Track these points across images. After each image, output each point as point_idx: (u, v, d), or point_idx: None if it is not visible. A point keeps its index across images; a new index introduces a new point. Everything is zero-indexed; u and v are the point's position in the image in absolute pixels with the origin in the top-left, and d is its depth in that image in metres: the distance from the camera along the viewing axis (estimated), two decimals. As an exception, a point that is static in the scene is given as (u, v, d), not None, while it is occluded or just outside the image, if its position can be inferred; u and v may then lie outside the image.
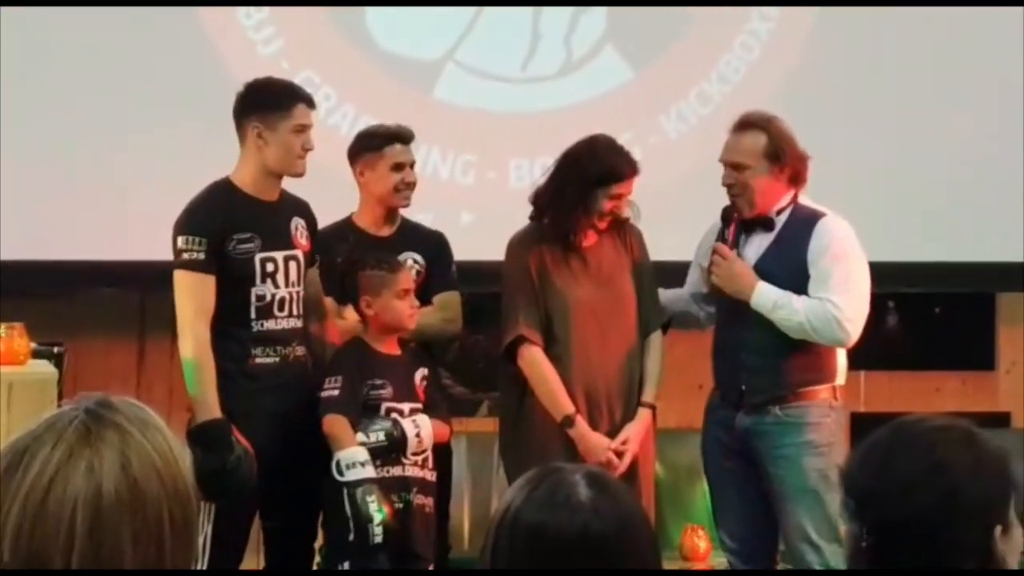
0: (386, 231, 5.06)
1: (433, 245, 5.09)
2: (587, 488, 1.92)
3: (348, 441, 4.59)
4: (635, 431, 4.78)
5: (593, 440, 4.74)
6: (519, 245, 4.88)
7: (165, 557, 1.67)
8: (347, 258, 4.84)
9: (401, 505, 4.62)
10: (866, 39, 6.51)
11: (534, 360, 4.77)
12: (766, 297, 4.71)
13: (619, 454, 4.73)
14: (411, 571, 4.68)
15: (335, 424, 4.61)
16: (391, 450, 4.64)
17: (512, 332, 4.79)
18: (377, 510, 4.50)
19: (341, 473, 4.55)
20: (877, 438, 2.19)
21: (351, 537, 4.52)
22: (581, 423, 4.74)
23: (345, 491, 4.53)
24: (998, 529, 2.12)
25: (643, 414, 4.82)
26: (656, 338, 4.90)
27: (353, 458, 4.56)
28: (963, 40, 6.51)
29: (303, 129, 4.67)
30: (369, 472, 4.55)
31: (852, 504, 2.17)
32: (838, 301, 4.68)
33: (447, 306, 5.03)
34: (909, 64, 6.49)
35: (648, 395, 4.84)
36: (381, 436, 4.64)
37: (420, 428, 4.69)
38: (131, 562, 1.65)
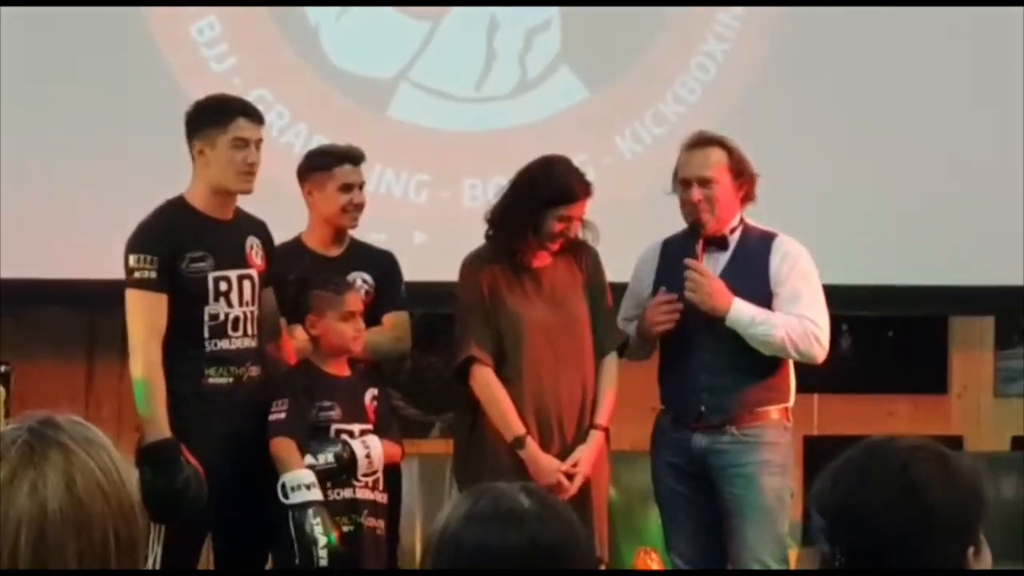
0: (335, 251, 5.03)
1: (382, 264, 5.07)
2: (528, 499, 1.90)
3: (294, 464, 4.55)
4: (586, 453, 4.77)
5: (543, 462, 4.71)
6: (472, 265, 4.86)
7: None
8: (295, 278, 4.81)
9: (351, 527, 4.59)
10: (821, 61, 6.52)
11: (485, 381, 4.75)
12: (743, 314, 4.71)
13: (569, 476, 4.72)
14: (378, 571, 4.65)
15: (281, 447, 4.57)
16: (341, 472, 4.60)
17: (464, 352, 4.77)
18: (323, 533, 4.47)
19: (287, 496, 4.51)
20: (849, 457, 2.17)
21: (296, 561, 4.49)
22: (532, 445, 4.72)
23: (290, 514, 4.49)
24: (971, 549, 2.11)
25: (595, 436, 4.80)
26: (611, 360, 4.89)
27: (298, 480, 4.52)
28: (916, 64, 6.53)
29: (243, 143, 4.58)
30: (315, 495, 4.52)
31: (825, 524, 2.15)
32: (814, 318, 4.74)
33: (396, 326, 5.00)
34: (863, 87, 6.50)
35: (601, 417, 4.83)
36: (331, 458, 4.60)
37: (370, 449, 4.66)
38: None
